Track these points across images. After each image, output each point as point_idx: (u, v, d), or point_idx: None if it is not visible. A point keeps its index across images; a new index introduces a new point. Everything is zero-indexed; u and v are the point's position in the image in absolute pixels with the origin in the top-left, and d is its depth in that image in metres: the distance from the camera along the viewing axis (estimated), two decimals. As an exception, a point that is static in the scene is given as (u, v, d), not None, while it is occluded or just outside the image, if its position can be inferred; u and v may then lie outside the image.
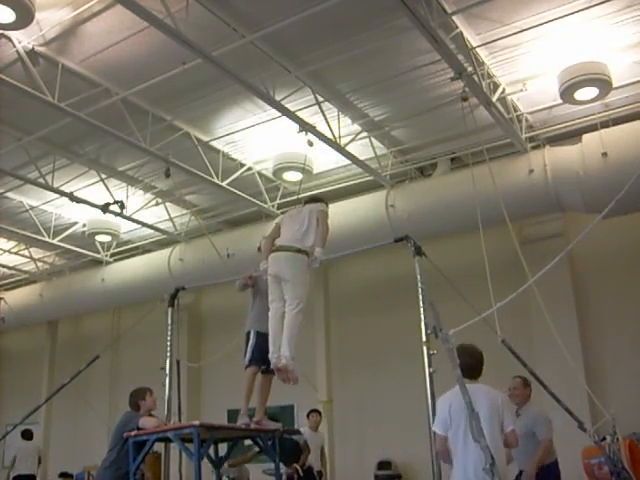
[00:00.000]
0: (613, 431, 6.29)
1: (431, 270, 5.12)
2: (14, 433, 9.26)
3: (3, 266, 13.50)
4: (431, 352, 4.68)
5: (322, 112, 7.93)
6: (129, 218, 10.65)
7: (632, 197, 5.31)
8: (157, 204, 10.82)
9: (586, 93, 7.49)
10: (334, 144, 8.40)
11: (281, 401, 9.68)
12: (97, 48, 6.97)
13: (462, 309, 5.16)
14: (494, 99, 7.55)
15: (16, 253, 12.79)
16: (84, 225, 11.30)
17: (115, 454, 5.31)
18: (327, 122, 8.10)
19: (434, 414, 4.49)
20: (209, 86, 7.61)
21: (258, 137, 8.90)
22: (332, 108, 8.18)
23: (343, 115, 8.37)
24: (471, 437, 3.75)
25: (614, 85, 7.48)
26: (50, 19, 6.52)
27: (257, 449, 6.12)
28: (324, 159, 9.37)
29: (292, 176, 9.43)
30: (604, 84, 7.33)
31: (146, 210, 10.92)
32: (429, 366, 4.65)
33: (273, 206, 10.44)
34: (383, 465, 10.16)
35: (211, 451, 5.68)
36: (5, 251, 12.63)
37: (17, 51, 6.89)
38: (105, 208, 9.78)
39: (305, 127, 8.03)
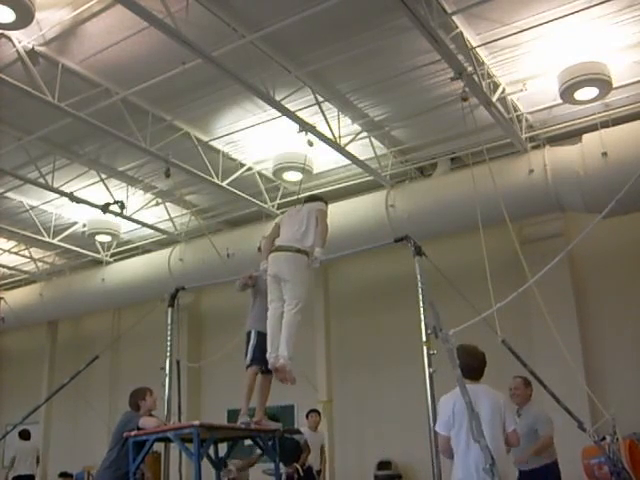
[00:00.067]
0: (613, 431, 6.29)
1: (431, 270, 5.11)
2: (13, 433, 9.26)
3: (3, 266, 13.50)
4: (431, 352, 4.67)
5: (322, 112, 7.93)
6: (129, 218, 10.65)
7: (632, 197, 5.32)
8: (157, 204, 10.82)
9: (586, 93, 7.50)
10: (334, 144, 8.40)
11: (281, 401, 9.68)
12: (97, 48, 6.97)
13: (462, 309, 5.16)
14: (494, 99, 7.55)
15: (16, 253, 12.79)
16: (84, 225, 11.30)
17: (115, 454, 5.31)
18: (327, 122, 8.10)
19: (434, 414, 4.49)
20: (209, 86, 7.61)
21: (258, 137, 8.90)
22: (332, 108, 8.18)
23: (343, 115, 8.37)
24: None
25: (614, 85, 7.49)
26: (50, 19, 6.52)
27: (259, 451, 6.10)
28: (324, 159, 9.38)
29: (292, 176, 9.44)
30: (604, 84, 7.33)
31: (146, 210, 10.92)
32: (429, 366, 4.64)
33: (273, 206, 10.44)
34: (383, 465, 10.16)
35: (211, 451, 5.67)
36: (5, 251, 12.62)
37: (17, 51, 6.89)
38: (105, 208, 9.78)
39: (305, 127, 8.03)
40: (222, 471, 6.16)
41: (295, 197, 9.97)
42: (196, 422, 5.03)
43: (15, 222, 11.26)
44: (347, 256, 7.67)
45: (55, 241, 11.58)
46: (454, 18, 6.59)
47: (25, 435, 11.00)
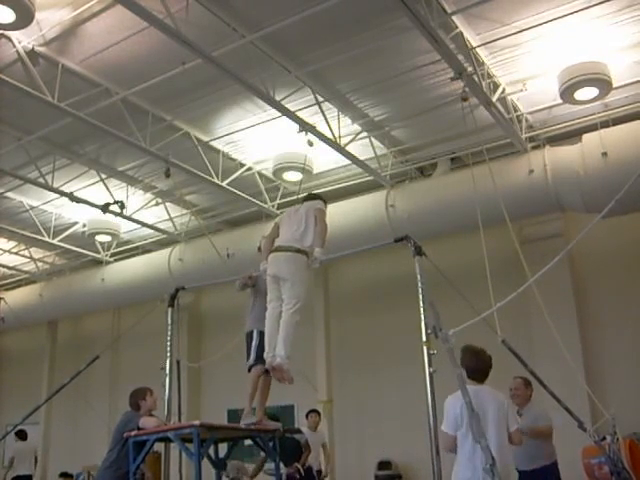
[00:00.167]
0: (613, 431, 6.29)
1: (431, 270, 5.11)
2: (13, 433, 9.25)
3: (3, 266, 13.50)
4: (431, 352, 4.67)
5: (322, 112, 7.93)
6: (129, 218, 10.66)
7: (632, 197, 5.31)
8: (157, 204, 10.82)
9: (586, 93, 7.49)
10: (334, 144, 8.40)
11: (281, 401, 9.68)
12: (97, 48, 6.97)
13: (462, 309, 5.16)
14: (494, 99, 7.55)
15: (16, 253, 12.79)
16: (84, 225, 11.31)
17: (115, 454, 5.30)
18: (327, 122, 8.10)
19: (434, 414, 4.49)
20: (209, 86, 7.61)
21: (258, 137, 8.90)
22: (332, 108, 8.18)
23: (343, 115, 8.37)
24: (488, 436, 3.90)
25: (614, 85, 7.48)
26: (50, 19, 6.52)
27: (263, 454, 6.08)
28: (324, 159, 9.38)
29: (292, 176, 9.44)
30: (604, 84, 7.33)
31: (146, 210, 10.92)
32: (429, 366, 4.64)
33: (273, 206, 10.44)
34: (383, 465, 10.15)
35: (211, 451, 5.67)
36: (5, 251, 12.63)
37: (17, 51, 6.89)
38: (105, 208, 9.78)
39: (305, 127, 8.03)
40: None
41: (295, 197, 9.97)
42: (196, 422, 5.03)
43: (15, 222, 11.25)
44: (347, 256, 7.67)
45: (55, 241, 11.58)
46: (454, 18, 6.59)
47: (23, 435, 10.99)
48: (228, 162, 9.46)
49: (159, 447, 6.03)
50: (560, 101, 7.85)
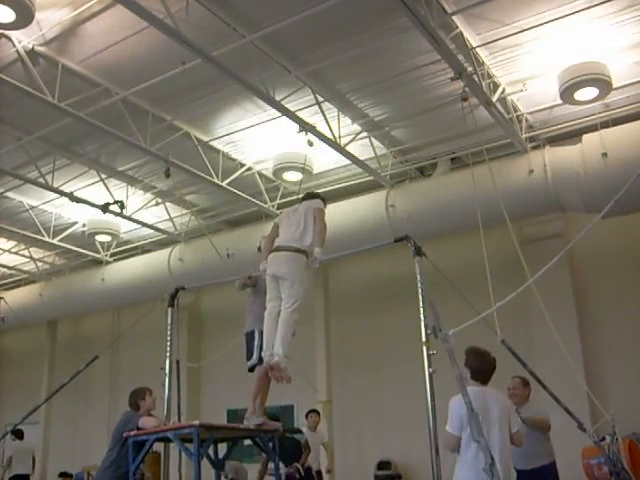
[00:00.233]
0: (613, 431, 6.29)
1: (431, 270, 5.11)
2: (12, 433, 9.26)
3: (3, 266, 13.50)
4: (431, 352, 4.67)
5: (322, 112, 7.93)
6: (129, 218, 10.66)
7: (632, 197, 5.33)
8: (157, 204, 10.82)
9: (586, 93, 7.50)
10: (334, 144, 8.40)
11: (281, 401, 9.69)
12: (97, 48, 6.97)
13: (462, 309, 5.17)
14: (494, 99, 7.55)
15: (16, 253, 12.79)
16: (84, 225, 11.31)
17: (115, 454, 5.30)
18: (327, 122, 8.10)
19: (434, 414, 4.49)
20: (209, 86, 7.61)
21: (258, 137, 8.90)
22: (332, 108, 8.18)
23: (343, 115, 8.37)
24: (492, 437, 3.97)
25: (614, 85, 7.49)
26: (50, 19, 6.52)
27: (263, 454, 6.06)
28: (324, 159, 9.38)
29: (292, 176, 9.44)
30: (604, 84, 7.33)
31: (146, 210, 10.92)
32: (429, 366, 4.64)
33: (273, 206, 10.44)
34: (383, 465, 10.16)
35: (211, 451, 5.66)
36: (5, 251, 12.62)
37: (17, 51, 6.89)
38: (105, 208, 9.78)
39: (305, 127, 8.03)
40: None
41: (295, 197, 9.97)
42: (196, 422, 5.02)
43: (15, 222, 11.25)
44: (347, 256, 7.66)
45: (55, 241, 11.58)
46: (454, 18, 6.59)
47: (20, 435, 10.98)
48: (228, 162, 9.46)
49: (159, 447, 6.02)
50: (560, 101, 7.85)
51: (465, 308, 5.32)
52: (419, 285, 4.92)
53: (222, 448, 6.18)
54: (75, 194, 9.86)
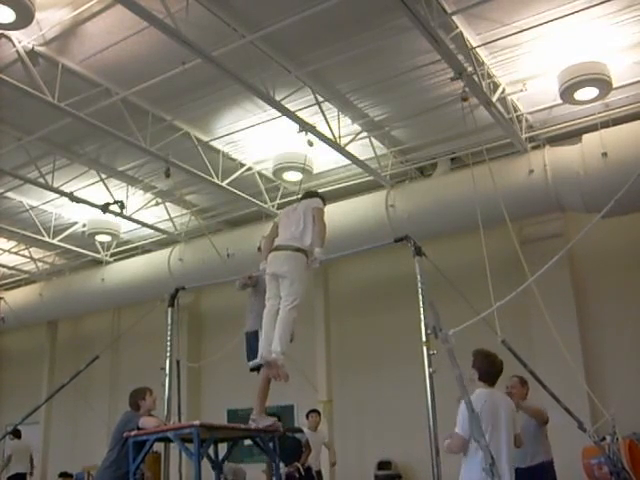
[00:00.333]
0: (613, 431, 6.29)
1: (431, 270, 5.11)
2: (12, 433, 9.24)
3: (3, 266, 13.50)
4: (431, 352, 4.67)
5: (322, 112, 7.93)
6: (129, 218, 10.66)
7: (632, 197, 5.32)
8: (157, 204, 10.82)
9: (586, 93, 7.50)
10: (334, 144, 8.40)
11: (281, 401, 9.69)
12: (97, 48, 6.97)
13: (462, 309, 5.16)
14: (494, 99, 7.55)
15: (16, 253, 12.79)
16: (84, 225, 11.31)
17: (115, 454, 5.30)
18: (327, 122, 8.10)
19: (434, 414, 4.49)
20: (209, 86, 7.61)
21: (258, 137, 8.90)
22: (332, 108, 8.18)
23: (343, 115, 8.37)
24: (500, 438, 4.05)
25: (614, 85, 7.49)
26: (50, 19, 6.52)
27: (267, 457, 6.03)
28: (324, 159, 9.38)
29: (292, 176, 9.44)
30: (604, 84, 7.33)
31: (146, 210, 10.92)
32: (429, 366, 4.64)
33: (273, 206, 10.44)
34: (383, 465, 10.16)
35: (211, 451, 5.66)
36: (5, 251, 12.62)
37: (17, 51, 6.89)
38: (105, 208, 9.78)
39: (305, 127, 8.03)
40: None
41: (295, 197, 9.96)
42: (196, 422, 5.01)
43: (15, 222, 11.25)
44: (347, 256, 7.67)
45: (55, 241, 11.58)
46: (454, 18, 6.59)
47: (18, 434, 10.98)
48: (228, 162, 9.46)
49: (159, 447, 6.02)
50: (560, 101, 7.86)
51: (465, 308, 5.31)
52: (419, 285, 4.91)
53: (222, 448, 6.18)
54: (75, 194, 9.86)
